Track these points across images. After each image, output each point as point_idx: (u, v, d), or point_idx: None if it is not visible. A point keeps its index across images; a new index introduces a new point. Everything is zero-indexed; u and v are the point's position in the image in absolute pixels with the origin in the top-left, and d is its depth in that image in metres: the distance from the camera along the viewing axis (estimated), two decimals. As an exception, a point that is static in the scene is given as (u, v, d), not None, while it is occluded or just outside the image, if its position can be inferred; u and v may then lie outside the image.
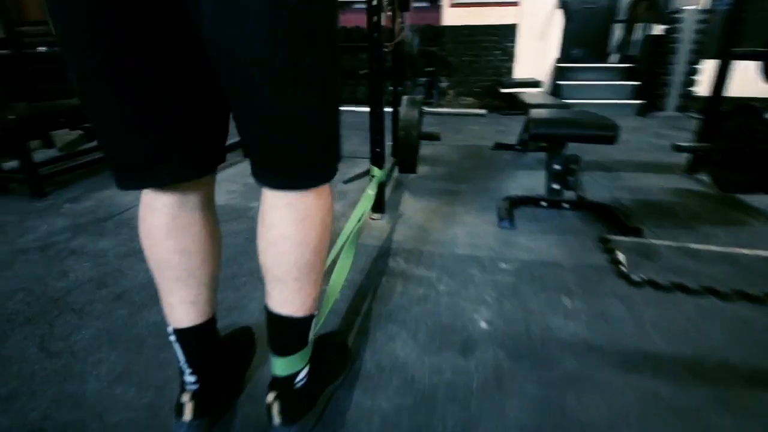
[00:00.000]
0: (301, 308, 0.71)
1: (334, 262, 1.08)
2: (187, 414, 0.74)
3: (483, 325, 1.07)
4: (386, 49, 1.97)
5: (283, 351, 0.73)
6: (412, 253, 1.45)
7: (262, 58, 0.52)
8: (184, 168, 0.66)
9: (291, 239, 0.65)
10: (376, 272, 1.34)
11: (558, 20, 4.43)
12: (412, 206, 1.89)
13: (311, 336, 0.76)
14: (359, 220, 1.25)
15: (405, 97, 1.93)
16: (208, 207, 0.74)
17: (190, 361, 0.74)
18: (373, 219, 1.74)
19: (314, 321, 0.75)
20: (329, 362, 0.86)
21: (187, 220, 0.70)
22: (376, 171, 1.64)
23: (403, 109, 1.91)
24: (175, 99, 0.60)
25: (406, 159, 1.96)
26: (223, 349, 0.85)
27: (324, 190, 0.67)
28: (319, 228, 0.67)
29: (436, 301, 1.18)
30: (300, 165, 0.62)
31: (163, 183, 0.66)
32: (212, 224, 0.76)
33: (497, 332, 1.04)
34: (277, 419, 0.72)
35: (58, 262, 1.43)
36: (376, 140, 1.64)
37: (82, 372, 0.94)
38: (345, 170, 2.43)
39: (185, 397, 0.74)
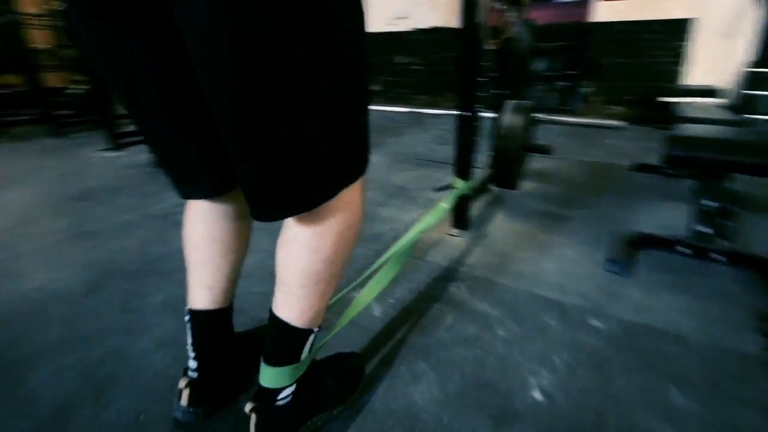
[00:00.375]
0: (300, 317, 0.66)
1: (374, 274, 0.97)
2: (183, 400, 0.74)
3: (537, 395, 0.83)
4: (491, 47, 1.75)
5: (273, 360, 0.68)
6: (480, 283, 1.24)
7: (223, 88, 0.48)
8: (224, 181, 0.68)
9: (303, 244, 0.62)
10: (429, 296, 1.18)
11: (755, 13, 3.40)
12: (501, 227, 1.64)
13: (305, 355, 0.70)
14: (418, 234, 1.11)
15: (510, 102, 1.68)
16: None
17: (194, 345, 0.75)
18: (451, 235, 1.57)
19: (312, 338, 0.70)
20: (324, 389, 0.77)
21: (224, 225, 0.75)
22: (458, 182, 1.46)
23: (505, 116, 1.67)
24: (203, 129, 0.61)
25: (504, 172, 1.71)
26: (239, 342, 0.85)
27: (339, 203, 0.61)
28: (334, 239, 0.63)
29: (488, 347, 0.97)
30: (288, 195, 0.57)
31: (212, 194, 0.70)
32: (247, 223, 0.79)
33: (553, 410, 0.79)
34: None
35: (167, 230, 1.66)
36: (463, 148, 1.46)
37: (140, 331, 1.04)
38: (441, 177, 2.28)
39: (182, 383, 0.75)
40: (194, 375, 0.75)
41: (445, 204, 1.35)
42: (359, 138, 0.61)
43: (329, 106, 0.53)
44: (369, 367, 0.91)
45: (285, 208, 0.57)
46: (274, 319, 0.68)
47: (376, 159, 2.67)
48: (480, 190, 1.82)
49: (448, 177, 2.18)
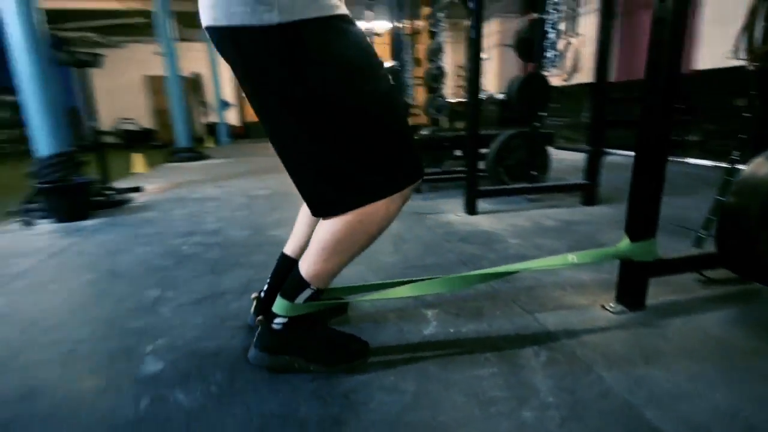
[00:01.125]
0: (303, 265, 0.89)
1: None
2: (252, 308, 1.12)
3: None
4: (751, 68, 1.22)
5: (282, 291, 0.92)
6: (610, 397, 0.88)
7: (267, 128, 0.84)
8: None
9: (325, 223, 0.85)
10: (515, 364, 0.94)
11: None
12: (696, 328, 1.09)
13: (299, 300, 0.89)
14: (514, 270, 0.93)
15: None
16: None
17: (272, 275, 1.11)
18: (606, 309, 1.17)
19: (308, 293, 0.89)
20: (314, 342, 0.93)
21: None
22: (624, 241, 1.10)
23: (753, 167, 1.11)
24: None
25: (731, 247, 1.14)
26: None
27: (352, 213, 0.81)
28: (343, 226, 0.82)
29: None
30: (310, 203, 0.87)
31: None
32: None
33: None
34: (255, 338, 0.95)
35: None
36: (639, 199, 1.09)
37: (218, 283, 1.35)
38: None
39: (253, 294, 1.13)
40: (262, 292, 1.10)
41: (576, 258, 1.04)
42: (373, 166, 0.80)
43: (340, 150, 0.79)
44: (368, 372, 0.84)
45: (322, 213, 0.85)
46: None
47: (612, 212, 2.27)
48: (685, 264, 1.27)
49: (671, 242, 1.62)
